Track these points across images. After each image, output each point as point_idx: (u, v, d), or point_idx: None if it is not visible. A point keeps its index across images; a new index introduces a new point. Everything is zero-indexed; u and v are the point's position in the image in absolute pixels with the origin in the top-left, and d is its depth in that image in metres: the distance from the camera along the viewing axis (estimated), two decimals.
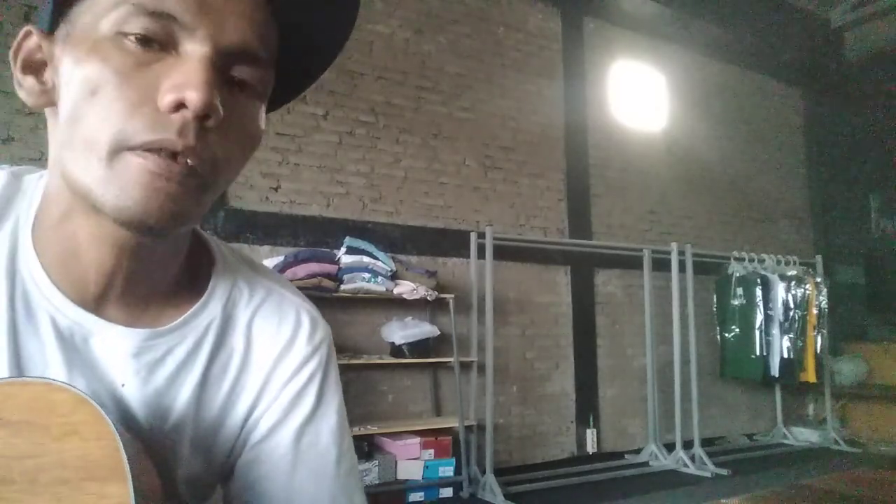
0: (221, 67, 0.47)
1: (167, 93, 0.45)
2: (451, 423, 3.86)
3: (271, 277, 0.65)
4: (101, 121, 0.45)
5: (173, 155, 0.45)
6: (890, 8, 5.92)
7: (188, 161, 0.46)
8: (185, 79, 0.45)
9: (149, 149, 0.45)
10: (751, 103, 6.35)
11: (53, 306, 0.51)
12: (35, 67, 0.51)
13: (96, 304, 0.53)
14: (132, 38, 0.45)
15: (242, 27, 0.48)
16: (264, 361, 0.60)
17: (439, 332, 3.89)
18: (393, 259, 3.76)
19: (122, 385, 0.53)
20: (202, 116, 0.45)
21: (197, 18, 0.46)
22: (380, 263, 3.64)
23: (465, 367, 4.04)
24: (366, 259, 3.62)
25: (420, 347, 3.79)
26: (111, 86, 0.45)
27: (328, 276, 3.49)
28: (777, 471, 4.58)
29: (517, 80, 4.82)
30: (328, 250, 3.65)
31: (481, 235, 4.11)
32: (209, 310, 0.58)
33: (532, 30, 4.97)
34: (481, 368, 4.05)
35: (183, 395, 0.55)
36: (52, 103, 0.50)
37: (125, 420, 0.52)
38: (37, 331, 0.51)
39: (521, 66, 4.86)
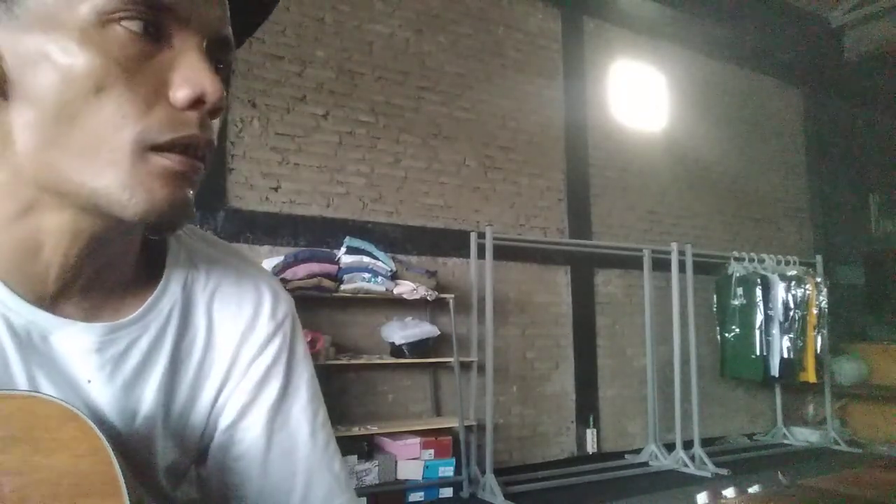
0: (208, 55, 0.47)
1: (182, 88, 0.44)
2: (451, 423, 3.86)
3: (228, 252, 0.63)
4: (115, 121, 0.43)
5: (189, 150, 0.45)
6: (890, 8, 5.91)
7: (201, 155, 0.46)
8: (195, 73, 0.44)
9: (170, 148, 0.44)
10: (751, 103, 6.35)
11: (5, 306, 0.48)
12: None
13: (52, 302, 0.50)
14: (129, 27, 0.43)
15: (222, 14, 0.48)
16: (228, 341, 0.59)
17: (439, 332, 3.89)
18: (393, 259, 3.76)
19: (89, 381, 0.51)
20: (215, 110, 0.45)
21: (189, 9, 0.45)
22: (380, 263, 3.64)
23: (465, 367, 4.04)
24: (366, 259, 3.62)
25: (420, 347, 3.79)
26: (119, 82, 0.42)
27: (328, 276, 3.49)
28: (777, 471, 4.57)
29: (517, 80, 4.82)
30: (328, 250, 3.65)
31: (481, 235, 4.11)
32: (168, 295, 0.56)
33: (532, 30, 4.97)
34: (481, 368, 4.05)
35: (151, 386, 0.54)
36: (3, 95, 0.44)
37: (95, 417, 0.49)
38: None
39: (521, 66, 4.86)
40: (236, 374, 0.59)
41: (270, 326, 0.61)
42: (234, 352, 0.59)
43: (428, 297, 3.76)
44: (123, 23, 0.42)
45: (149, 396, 0.54)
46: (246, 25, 0.55)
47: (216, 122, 0.48)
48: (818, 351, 5.28)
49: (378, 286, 3.61)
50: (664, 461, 4.66)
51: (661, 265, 4.99)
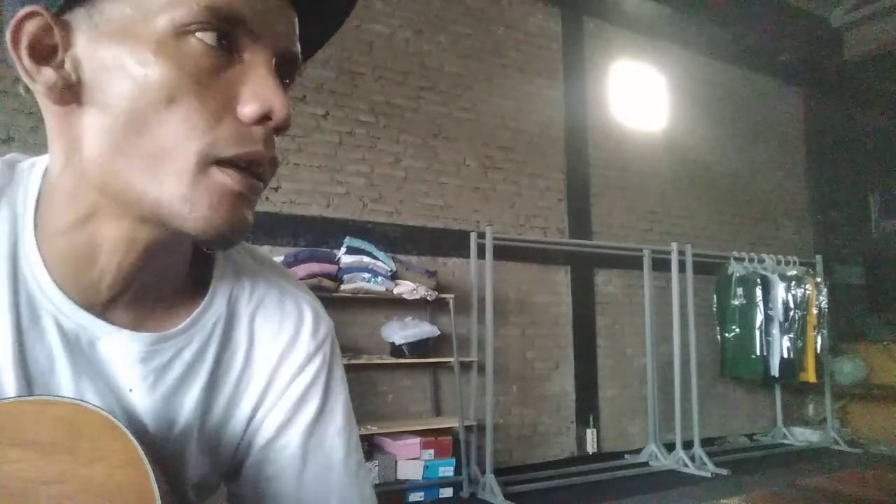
0: (276, 71, 0.47)
1: (250, 103, 0.44)
2: (451, 423, 3.86)
3: (272, 268, 0.63)
4: (183, 132, 0.43)
5: (251, 169, 0.45)
6: (890, 8, 5.91)
7: (261, 173, 0.47)
8: (264, 89, 0.44)
9: (233, 164, 0.44)
10: (751, 103, 6.35)
11: (58, 309, 0.49)
12: (44, 56, 0.45)
13: (103, 308, 0.51)
14: (204, 41, 0.43)
15: (291, 32, 0.48)
16: (268, 359, 0.59)
17: (439, 332, 3.89)
18: (393, 259, 3.76)
19: (130, 390, 0.52)
20: (281, 128, 0.46)
21: (263, 24, 0.45)
22: (380, 263, 3.64)
23: (465, 367, 4.04)
24: (366, 259, 3.62)
25: (420, 347, 3.79)
26: (191, 94, 0.43)
27: (328, 276, 3.49)
28: (777, 471, 4.58)
29: (517, 80, 4.82)
30: (328, 250, 3.65)
31: (481, 235, 4.11)
32: (214, 308, 0.56)
33: (532, 30, 4.97)
34: (481, 368, 4.05)
35: (190, 399, 0.54)
36: (77, 100, 0.45)
37: (133, 426, 0.50)
38: (42, 335, 0.49)
39: (521, 66, 4.86)
40: (274, 392, 0.59)
41: (311, 346, 0.61)
42: (273, 369, 0.59)
43: (428, 297, 3.76)
44: (198, 35, 0.43)
45: (187, 409, 0.54)
46: (311, 43, 0.56)
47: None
48: (818, 351, 5.28)
49: (378, 286, 3.61)
50: (664, 461, 4.66)
51: (661, 265, 4.99)
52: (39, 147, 2.73)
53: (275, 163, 0.47)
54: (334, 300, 3.62)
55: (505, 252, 4.31)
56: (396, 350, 3.76)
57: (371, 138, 4.13)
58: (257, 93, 0.44)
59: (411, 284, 3.71)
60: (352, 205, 4.02)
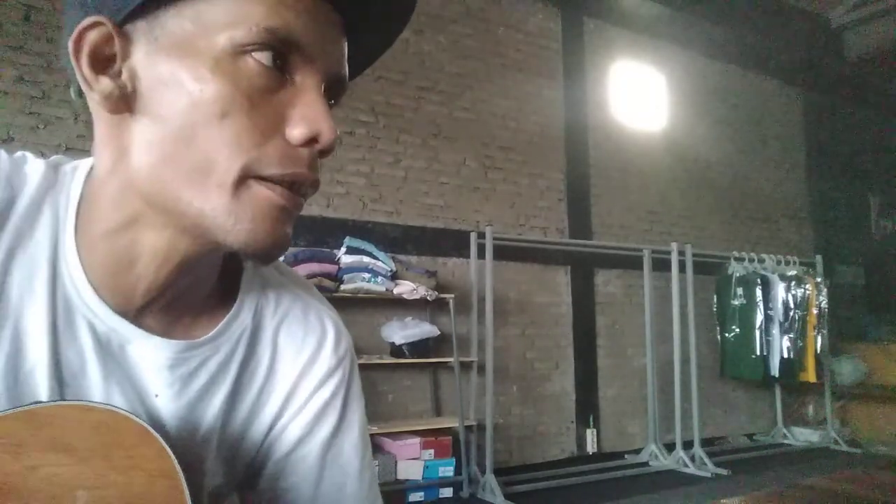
0: (325, 94, 0.48)
1: (299, 126, 0.45)
2: (451, 423, 3.86)
3: (297, 282, 0.64)
4: (229, 147, 0.44)
5: (294, 186, 0.46)
6: (890, 8, 5.92)
7: (305, 192, 0.48)
8: (313, 113, 0.46)
9: (277, 182, 0.45)
10: (751, 103, 6.35)
11: (92, 312, 0.50)
12: (103, 65, 0.46)
13: (136, 314, 0.52)
14: (260, 61, 0.44)
15: (341, 56, 0.50)
16: (290, 371, 0.60)
17: (439, 332, 3.89)
18: (393, 259, 3.76)
19: (156, 396, 0.52)
20: (326, 151, 0.47)
21: (317, 48, 0.46)
22: (380, 263, 3.64)
23: (465, 367, 4.04)
24: (366, 259, 3.62)
25: (420, 347, 3.79)
26: (243, 111, 0.44)
27: (328, 276, 3.50)
28: (777, 471, 4.58)
29: (517, 80, 4.82)
30: (328, 250, 3.65)
31: (481, 235, 4.11)
32: (240, 319, 0.57)
33: (532, 30, 4.97)
34: (481, 368, 4.05)
35: (213, 408, 0.55)
36: (129, 109, 0.46)
37: (157, 432, 0.51)
38: (75, 336, 0.50)
39: (521, 66, 4.86)
40: (294, 406, 0.59)
41: (332, 361, 0.61)
42: (295, 382, 0.60)
43: (428, 297, 3.76)
44: (255, 55, 0.44)
45: (209, 418, 0.55)
46: (359, 64, 0.58)
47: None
48: (818, 351, 5.28)
49: (378, 286, 3.61)
50: (664, 461, 4.66)
51: (661, 265, 4.99)
52: (40, 147, 2.72)
53: (316, 185, 0.49)
54: (334, 300, 3.59)
55: (505, 252, 4.31)
56: (396, 350, 3.76)
57: (371, 138, 4.13)
58: (306, 116, 0.46)
59: (411, 284, 3.71)
60: (352, 205, 4.02)
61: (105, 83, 0.46)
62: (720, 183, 5.97)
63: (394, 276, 3.71)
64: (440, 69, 4.47)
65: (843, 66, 6.57)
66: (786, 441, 5.58)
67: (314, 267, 3.45)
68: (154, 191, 0.46)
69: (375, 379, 3.91)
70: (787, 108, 6.74)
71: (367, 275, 3.59)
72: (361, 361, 3.64)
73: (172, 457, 0.43)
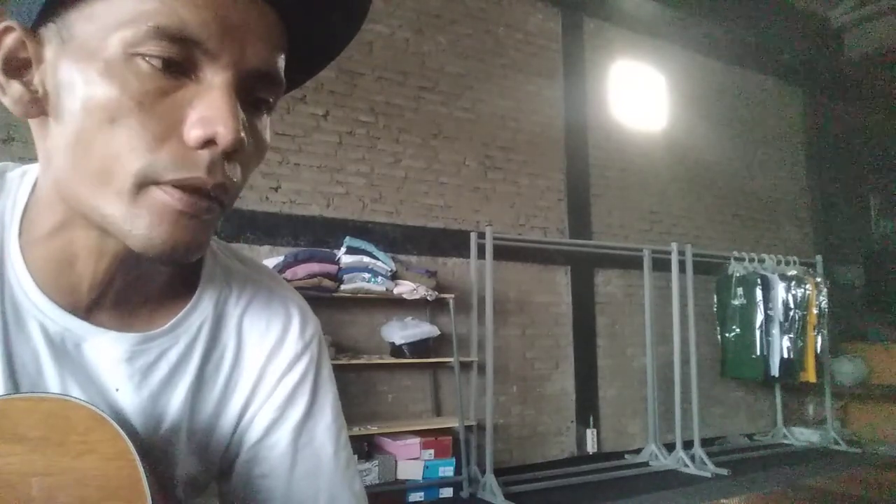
0: (242, 91, 0.45)
1: (195, 128, 0.43)
2: (451, 423, 3.86)
3: (260, 271, 0.64)
4: (123, 154, 0.42)
5: (199, 190, 0.44)
6: (890, 8, 5.92)
7: (214, 196, 0.45)
8: (212, 112, 0.43)
9: (176, 185, 0.43)
10: (751, 103, 6.35)
11: (42, 313, 0.50)
12: (17, 70, 0.46)
13: (87, 311, 0.52)
14: (151, 62, 0.42)
15: (263, 49, 0.46)
16: (256, 358, 0.60)
17: (439, 332, 3.89)
18: (393, 259, 3.76)
19: (117, 390, 0.53)
20: (231, 152, 0.44)
21: (220, 43, 0.43)
22: (380, 263, 3.64)
23: (465, 367, 4.04)
24: (366, 259, 3.62)
25: (420, 347, 3.79)
26: (133, 116, 0.42)
27: (328, 276, 3.49)
28: (777, 471, 4.58)
29: (517, 80, 4.82)
30: (328, 250, 3.65)
31: (481, 235, 4.11)
32: (200, 310, 0.57)
33: (532, 30, 4.97)
34: (481, 368, 4.05)
35: (177, 398, 0.55)
36: (43, 113, 0.46)
37: (121, 425, 0.50)
38: (28, 338, 0.50)
39: (521, 66, 4.86)
40: (263, 392, 0.60)
41: (298, 346, 0.61)
42: (261, 369, 0.60)
43: (428, 297, 3.76)
44: (147, 57, 0.42)
45: (174, 408, 0.55)
46: (315, 58, 0.55)
47: (245, 161, 0.47)
48: (818, 351, 5.28)
49: (378, 286, 3.61)
50: (664, 461, 4.66)
51: (661, 265, 4.99)
52: None
53: (224, 188, 0.45)
54: (334, 300, 3.62)
55: (505, 252, 4.31)
56: (396, 350, 3.76)
57: (371, 138, 4.13)
58: (203, 116, 0.43)
59: (411, 284, 3.71)
60: (352, 205, 4.02)
61: (15, 88, 0.46)
62: (720, 183, 5.97)
63: (394, 276, 3.71)
64: (440, 69, 4.47)
65: (844, 65, 6.57)
66: (786, 441, 5.58)
67: (314, 267, 3.45)
68: (70, 195, 0.46)
69: (375, 379, 3.91)
70: (787, 107, 6.74)
71: (367, 275, 3.59)
72: (361, 361, 3.64)
73: (126, 439, 0.43)
